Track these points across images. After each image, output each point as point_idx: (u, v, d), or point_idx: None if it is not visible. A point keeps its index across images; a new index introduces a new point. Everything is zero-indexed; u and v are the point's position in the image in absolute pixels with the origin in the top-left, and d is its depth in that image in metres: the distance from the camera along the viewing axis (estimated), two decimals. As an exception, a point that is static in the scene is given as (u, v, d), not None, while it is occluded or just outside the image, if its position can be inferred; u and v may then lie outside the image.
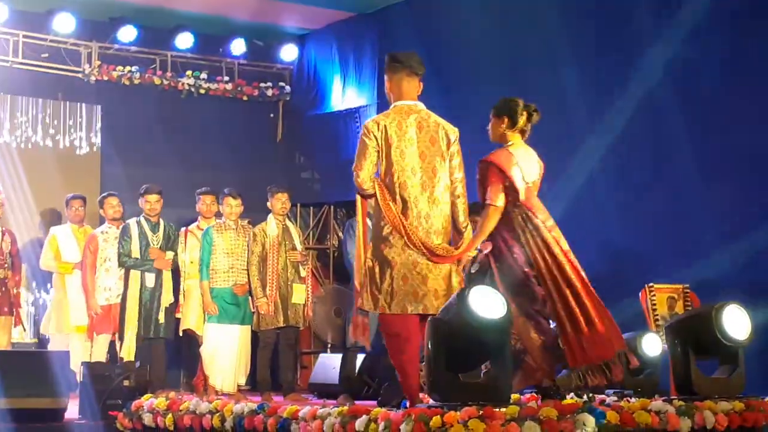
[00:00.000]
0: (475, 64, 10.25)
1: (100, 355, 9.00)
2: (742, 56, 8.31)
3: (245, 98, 12.18)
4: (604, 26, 9.24)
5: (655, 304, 7.88)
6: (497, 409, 5.33)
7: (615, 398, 6.13)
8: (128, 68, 11.40)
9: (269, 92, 12.28)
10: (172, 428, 6.76)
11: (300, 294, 8.60)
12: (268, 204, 8.84)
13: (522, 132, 6.06)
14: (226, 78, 12.05)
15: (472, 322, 5.47)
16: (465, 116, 10.27)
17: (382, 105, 11.25)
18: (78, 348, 8.99)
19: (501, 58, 9.96)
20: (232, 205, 8.86)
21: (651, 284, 7.94)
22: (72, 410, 7.41)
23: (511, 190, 5.88)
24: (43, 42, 11.01)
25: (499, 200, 5.85)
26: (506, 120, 6.04)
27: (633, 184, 8.99)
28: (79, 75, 11.21)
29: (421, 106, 5.95)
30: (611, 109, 9.10)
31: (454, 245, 5.90)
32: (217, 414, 6.55)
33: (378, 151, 5.77)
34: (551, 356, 5.89)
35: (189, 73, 11.77)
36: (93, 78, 11.23)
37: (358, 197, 6.00)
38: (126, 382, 7.43)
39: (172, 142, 11.45)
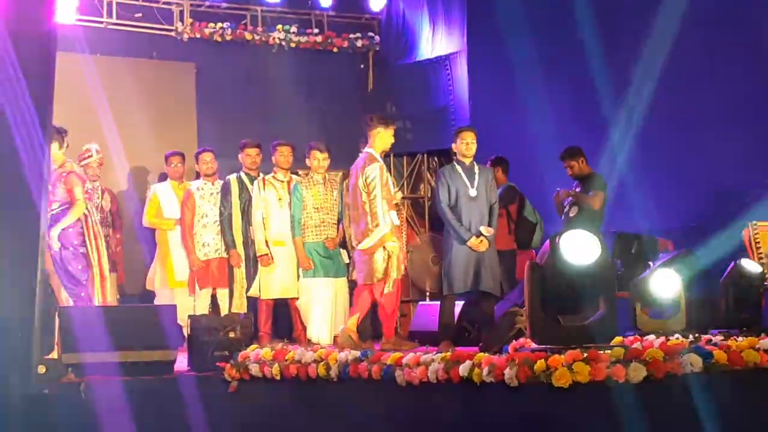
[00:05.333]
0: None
1: (203, 309, 9.16)
2: None
3: (335, 50, 12.18)
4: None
5: (758, 242, 7.76)
6: (602, 352, 5.33)
7: (721, 337, 6.05)
8: (219, 25, 11.50)
9: (359, 43, 12.26)
10: (278, 377, 6.89)
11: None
12: (360, 155, 8.85)
13: None
14: (316, 30, 12.07)
15: (565, 269, 5.48)
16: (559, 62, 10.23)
17: (472, 52, 11.19)
18: (182, 303, 9.15)
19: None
20: (319, 159, 8.86)
21: (754, 222, 7.82)
22: (181, 362, 7.59)
23: None
24: (135, 2, 11.15)
25: None
26: None
27: (736, 124, 8.83)
28: (172, 33, 11.34)
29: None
30: (711, 48, 8.94)
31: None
32: (322, 363, 6.65)
33: None
34: None
35: (279, 27, 11.82)
36: (186, 36, 11.35)
37: None
38: (232, 334, 7.56)
39: (264, 96, 11.52)
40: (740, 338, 5.92)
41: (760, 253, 7.74)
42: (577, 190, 8.98)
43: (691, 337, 6.02)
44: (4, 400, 5.95)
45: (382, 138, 8.11)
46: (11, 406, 5.75)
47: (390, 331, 8.06)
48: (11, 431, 5.32)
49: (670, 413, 5.18)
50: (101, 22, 10.96)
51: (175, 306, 8.00)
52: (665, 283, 7.26)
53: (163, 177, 9.99)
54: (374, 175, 7.95)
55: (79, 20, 10.69)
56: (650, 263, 8.17)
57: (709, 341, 5.87)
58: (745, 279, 7.19)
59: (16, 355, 6.23)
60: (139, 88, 10.96)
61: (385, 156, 9.58)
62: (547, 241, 5.65)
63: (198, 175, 9.63)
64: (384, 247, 7.87)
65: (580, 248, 5.50)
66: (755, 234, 7.77)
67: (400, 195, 8.34)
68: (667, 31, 9.35)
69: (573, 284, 5.57)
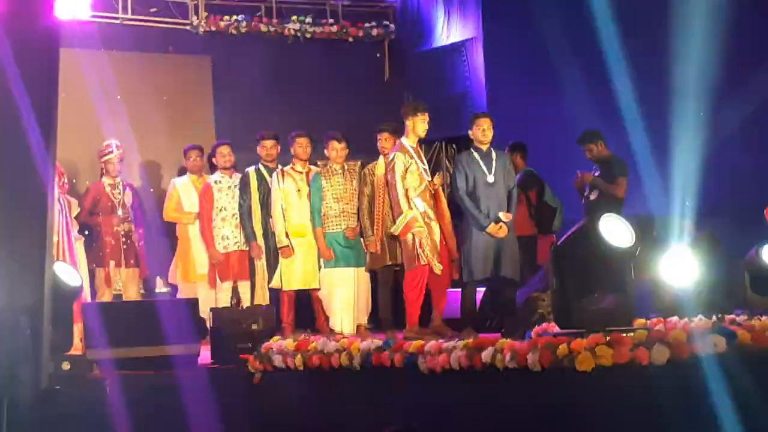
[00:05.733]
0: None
1: (225, 301, 9.14)
2: None
3: (351, 39, 12.17)
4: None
5: (780, 220, 7.70)
6: (625, 335, 5.32)
7: (745, 317, 6.00)
8: (234, 17, 11.51)
9: (374, 32, 12.25)
10: (301, 368, 6.90)
11: None
12: (378, 145, 8.87)
13: None
14: (331, 20, 12.06)
15: (605, 250, 5.49)
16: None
17: (487, 38, 11.16)
18: (205, 295, 9.18)
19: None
20: (337, 149, 8.84)
21: (775, 199, 7.76)
22: (204, 356, 7.62)
23: None
24: (150, -3, 11.22)
25: None
26: None
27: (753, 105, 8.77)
28: (188, 27, 11.36)
29: None
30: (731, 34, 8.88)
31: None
32: (345, 352, 6.66)
33: None
34: None
35: (294, 18, 11.82)
36: (201, 29, 11.37)
37: None
38: (254, 326, 7.59)
39: (281, 88, 11.54)
40: (764, 317, 5.87)
41: (782, 231, 7.67)
42: (596, 173, 8.94)
43: (714, 317, 5.97)
44: (14, 398, 5.97)
45: (412, 125, 8.21)
46: (22, 404, 5.76)
47: (412, 319, 8.05)
48: (26, 429, 5.32)
49: (695, 394, 5.15)
50: (116, 18, 10.99)
51: (196, 299, 8.02)
52: (684, 263, 7.19)
53: (182, 171, 10.01)
54: (393, 164, 8.04)
55: (94, 16, 10.72)
56: (671, 245, 8.12)
57: (732, 321, 5.83)
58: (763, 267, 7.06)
59: (25, 350, 6.23)
60: (156, 83, 11.00)
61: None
62: (578, 225, 5.67)
63: (214, 168, 9.63)
64: (412, 232, 7.93)
65: (616, 232, 5.55)
66: (776, 213, 7.71)
67: (439, 180, 8.32)
68: (685, 12, 9.29)
69: (602, 268, 5.59)
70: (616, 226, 5.58)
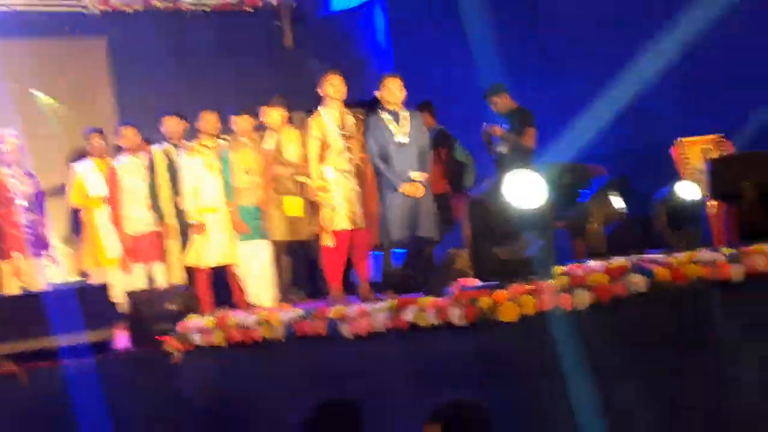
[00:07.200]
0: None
1: (140, 284, 8.96)
2: None
3: (250, 9, 11.95)
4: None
5: (687, 158, 7.73)
6: (546, 282, 5.28)
7: (663, 255, 5.99)
8: (129, -5, 11.26)
9: (274, 0, 12.05)
10: (223, 344, 6.77)
11: (293, 207, 8.47)
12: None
13: None
14: (228, -9, 11.85)
15: (510, 211, 5.46)
16: None
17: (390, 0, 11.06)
18: (118, 280, 8.99)
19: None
20: (238, 122, 8.73)
21: (680, 139, 7.80)
22: (122, 340, 7.45)
23: None
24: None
25: None
26: None
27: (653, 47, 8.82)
28: (80, 9, 11.05)
29: None
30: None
31: None
32: (266, 324, 6.54)
33: None
34: None
35: (189, -9, 11.60)
36: (94, 9, 11.07)
37: None
38: (172, 306, 7.44)
39: (182, 64, 11.33)
40: (680, 254, 5.85)
41: (690, 168, 7.73)
42: (504, 126, 8.90)
43: (633, 257, 5.94)
44: None
45: (323, 91, 8.11)
46: None
47: (330, 287, 7.98)
48: None
49: (620, 334, 5.14)
50: (4, 5, 10.63)
51: (103, 284, 7.83)
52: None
53: (79, 156, 9.74)
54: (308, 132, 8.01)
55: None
56: (583, 192, 8.13)
57: (651, 260, 5.81)
58: (681, 203, 7.02)
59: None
60: (51, 69, 10.73)
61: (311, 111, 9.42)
62: (493, 180, 5.63)
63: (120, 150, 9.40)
64: (315, 200, 7.89)
65: (524, 189, 5.49)
66: (683, 151, 7.75)
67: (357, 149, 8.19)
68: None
69: (514, 222, 5.55)
70: (526, 183, 5.53)
